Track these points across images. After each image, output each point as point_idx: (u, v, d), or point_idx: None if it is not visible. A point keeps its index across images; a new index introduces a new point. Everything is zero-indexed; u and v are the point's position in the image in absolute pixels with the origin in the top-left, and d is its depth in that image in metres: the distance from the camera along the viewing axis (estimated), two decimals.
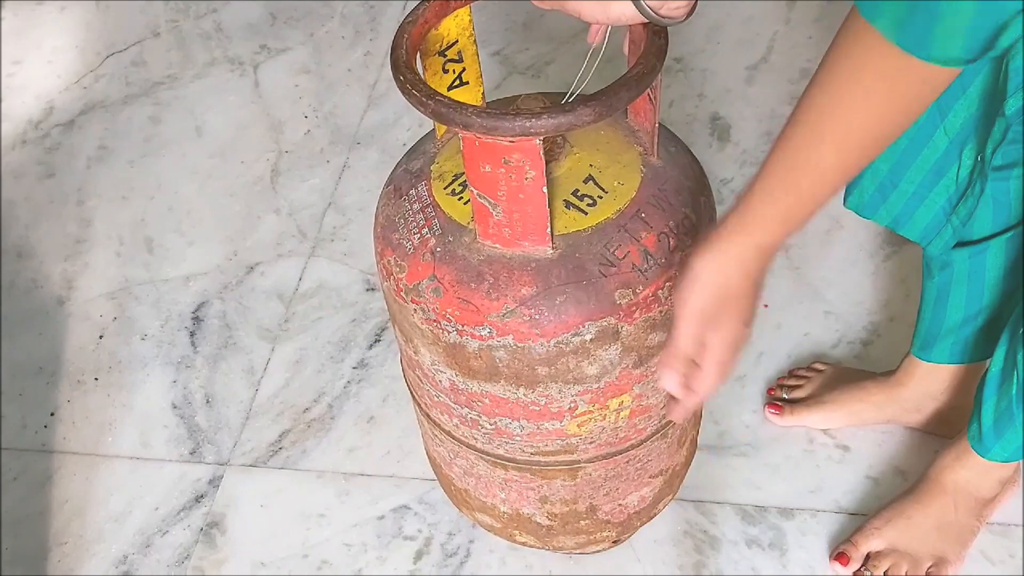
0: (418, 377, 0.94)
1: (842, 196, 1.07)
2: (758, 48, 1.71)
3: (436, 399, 0.94)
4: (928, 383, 1.18)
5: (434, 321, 0.84)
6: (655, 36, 0.77)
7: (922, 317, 1.14)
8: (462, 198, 0.85)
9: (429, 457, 1.13)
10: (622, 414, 0.91)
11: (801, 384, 1.27)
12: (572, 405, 0.88)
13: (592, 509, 1.02)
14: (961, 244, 1.04)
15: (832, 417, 1.23)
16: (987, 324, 1.10)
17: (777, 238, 0.73)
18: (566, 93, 0.84)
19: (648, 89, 0.78)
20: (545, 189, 0.77)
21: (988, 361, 1.01)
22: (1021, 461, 1.07)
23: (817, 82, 0.67)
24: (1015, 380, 0.96)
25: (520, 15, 1.82)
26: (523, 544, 1.09)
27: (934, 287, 1.10)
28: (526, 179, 0.76)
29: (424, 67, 0.86)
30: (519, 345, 0.82)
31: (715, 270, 0.75)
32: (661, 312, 0.84)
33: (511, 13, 1.82)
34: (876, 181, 1.01)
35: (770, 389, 1.28)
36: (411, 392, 1.02)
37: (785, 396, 1.26)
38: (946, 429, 1.19)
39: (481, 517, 1.08)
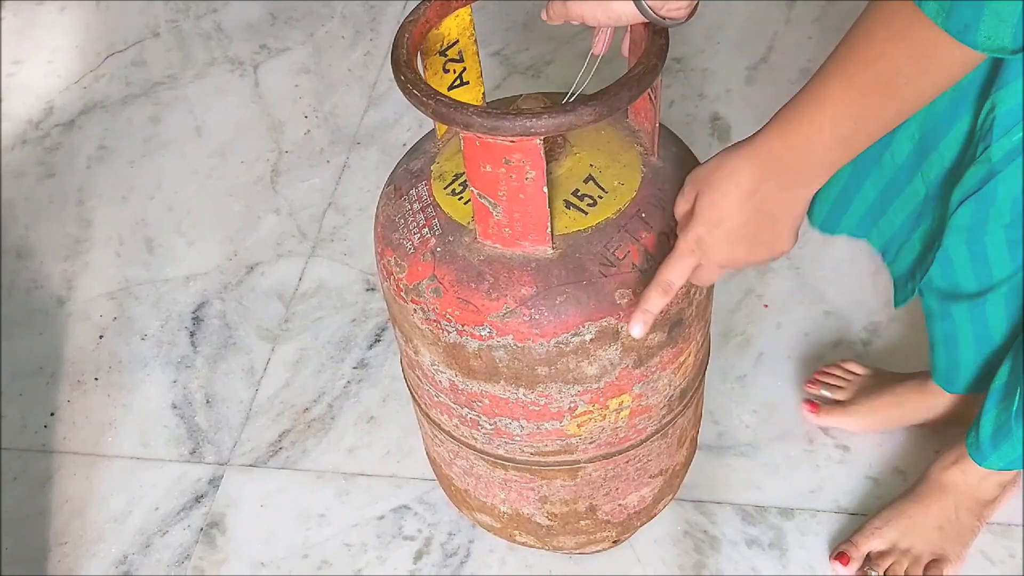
0: (418, 377, 0.94)
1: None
2: (758, 48, 1.71)
3: (436, 399, 0.94)
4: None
5: (434, 321, 0.84)
6: (656, 36, 0.77)
7: (936, 356, 1.12)
8: (462, 198, 0.85)
9: (429, 457, 1.13)
10: (622, 414, 0.91)
11: (842, 387, 1.25)
12: (572, 405, 0.88)
13: (592, 509, 1.02)
14: (955, 297, 1.02)
15: (867, 421, 1.22)
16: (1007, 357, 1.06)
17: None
18: (566, 93, 0.84)
19: (649, 89, 0.78)
20: (545, 189, 0.77)
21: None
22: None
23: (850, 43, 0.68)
24: (1016, 397, 0.96)
25: (520, 15, 1.82)
26: (523, 544, 1.09)
27: (940, 332, 1.07)
28: (526, 179, 0.76)
29: (425, 67, 0.86)
30: (519, 345, 0.82)
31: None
32: (661, 312, 0.84)
33: (511, 13, 1.82)
34: (866, 204, 1.02)
35: (808, 383, 1.27)
36: (411, 392, 1.02)
37: (827, 395, 1.25)
38: None
39: (481, 517, 1.08)
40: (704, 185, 0.75)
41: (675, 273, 0.78)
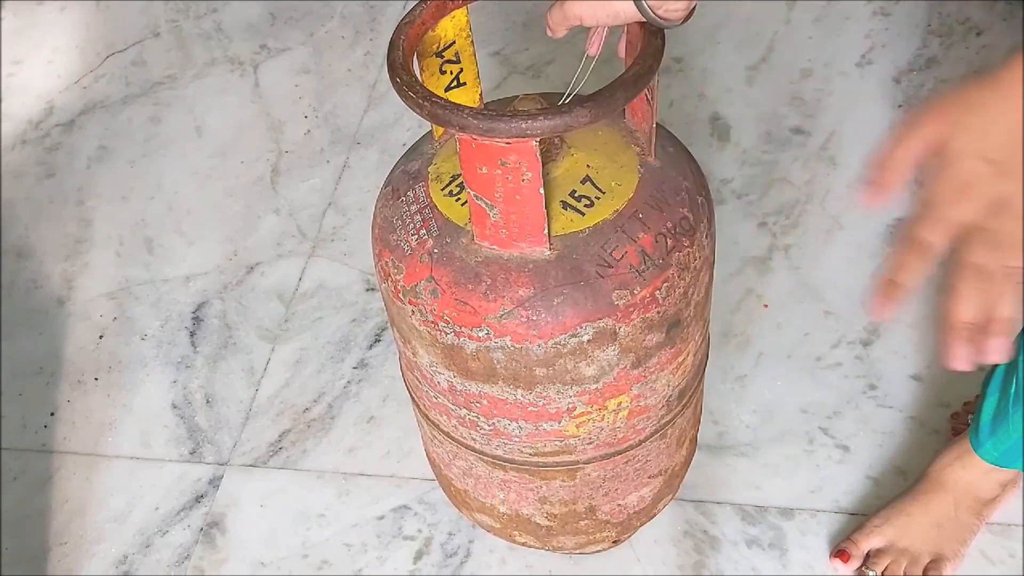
0: (416, 378, 0.94)
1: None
2: (758, 48, 1.71)
3: (434, 400, 0.94)
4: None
5: (432, 322, 0.84)
6: (652, 37, 0.77)
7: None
8: (459, 199, 0.85)
9: (428, 458, 1.13)
10: (620, 415, 0.91)
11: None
12: (570, 406, 0.88)
13: (591, 509, 1.02)
14: None
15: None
16: None
17: None
18: (564, 93, 0.84)
19: (645, 90, 0.78)
20: (542, 190, 0.77)
21: None
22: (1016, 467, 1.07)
23: None
24: (1016, 380, 0.96)
25: (520, 15, 1.82)
26: (523, 544, 1.09)
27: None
28: (523, 180, 0.76)
29: (421, 68, 0.86)
30: (517, 346, 0.82)
31: None
32: (659, 313, 0.84)
33: (511, 13, 1.82)
34: None
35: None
36: (410, 393, 1.02)
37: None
38: None
39: (480, 518, 1.08)
40: (962, 115, 0.62)
41: (935, 230, 0.62)
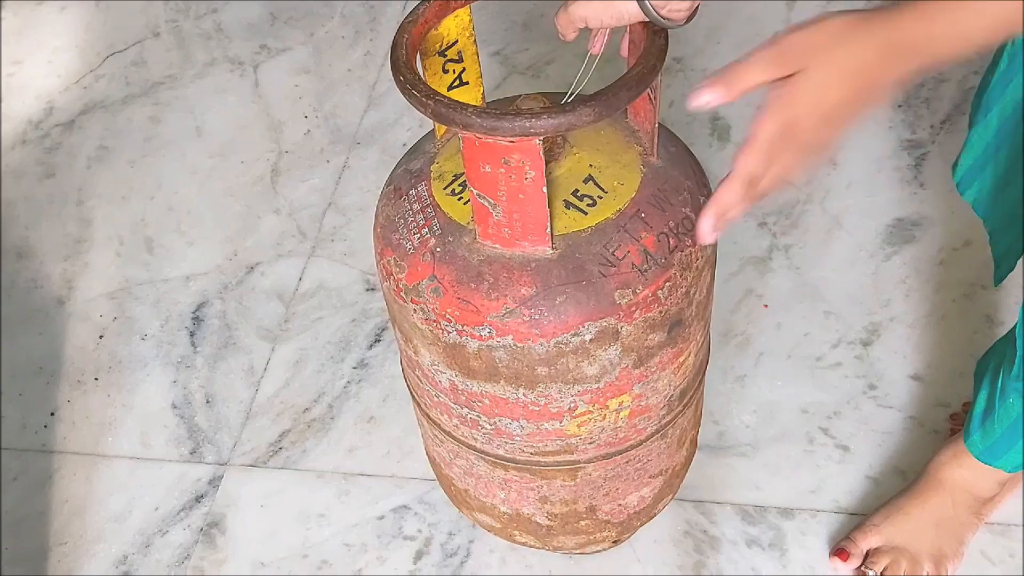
0: (418, 377, 0.94)
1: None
2: None
3: (436, 399, 0.94)
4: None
5: (434, 321, 0.84)
6: (655, 36, 0.77)
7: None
8: (462, 198, 0.85)
9: (429, 457, 1.13)
10: (622, 414, 0.91)
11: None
12: (572, 405, 0.88)
13: (592, 509, 1.02)
14: None
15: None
16: None
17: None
18: (566, 93, 0.84)
19: (648, 89, 0.78)
20: (545, 189, 0.77)
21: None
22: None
23: None
24: (1000, 377, 0.97)
25: (520, 15, 1.82)
26: (523, 544, 1.09)
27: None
28: (526, 179, 0.76)
29: (424, 67, 0.86)
30: (519, 345, 0.82)
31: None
32: (661, 312, 0.84)
33: (511, 13, 1.82)
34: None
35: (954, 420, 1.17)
36: (411, 392, 1.02)
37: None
38: None
39: (481, 517, 1.08)
40: (813, 61, 0.66)
41: (758, 161, 0.69)
